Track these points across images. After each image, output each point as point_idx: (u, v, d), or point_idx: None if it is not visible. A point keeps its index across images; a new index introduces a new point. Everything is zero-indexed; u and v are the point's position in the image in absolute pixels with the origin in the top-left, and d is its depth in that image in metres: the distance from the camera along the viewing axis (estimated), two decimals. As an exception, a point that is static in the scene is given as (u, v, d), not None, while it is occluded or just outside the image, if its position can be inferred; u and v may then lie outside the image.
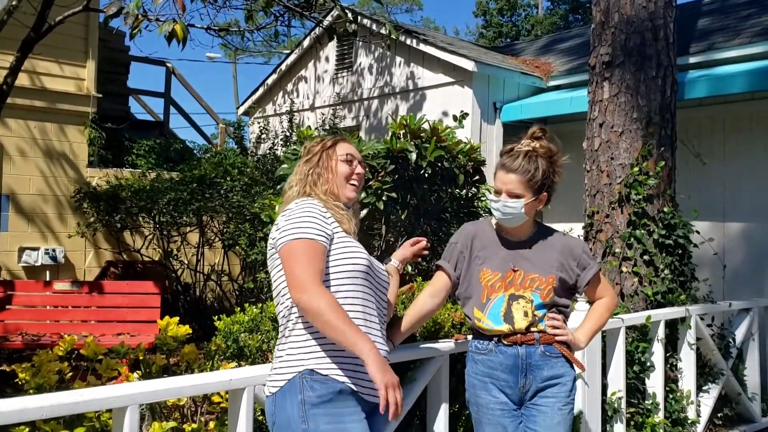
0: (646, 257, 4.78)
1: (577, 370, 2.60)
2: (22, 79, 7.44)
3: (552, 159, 2.46)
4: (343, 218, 2.17)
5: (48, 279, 7.69)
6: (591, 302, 2.68)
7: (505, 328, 2.43)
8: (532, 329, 2.43)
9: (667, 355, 4.46)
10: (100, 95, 8.53)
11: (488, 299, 2.47)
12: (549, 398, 2.42)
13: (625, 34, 5.06)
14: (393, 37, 6.96)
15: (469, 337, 2.75)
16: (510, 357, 2.44)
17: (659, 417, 4.23)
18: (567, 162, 2.51)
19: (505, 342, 2.44)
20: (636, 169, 4.85)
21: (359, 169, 2.29)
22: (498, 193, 2.44)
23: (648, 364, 4.30)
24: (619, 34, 5.09)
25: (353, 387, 1.97)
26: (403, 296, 3.50)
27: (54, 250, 7.96)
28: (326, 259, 2.03)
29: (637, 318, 4.20)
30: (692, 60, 7.24)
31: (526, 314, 2.43)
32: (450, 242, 2.63)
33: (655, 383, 4.29)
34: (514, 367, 2.43)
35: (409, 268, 4.71)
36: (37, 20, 5.60)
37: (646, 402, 4.25)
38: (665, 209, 4.87)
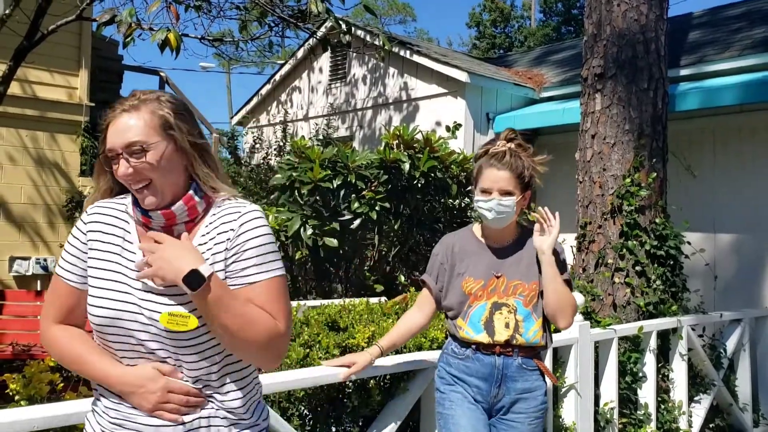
0: (638, 268, 4.80)
1: (549, 383, 2.54)
2: (14, 88, 7.40)
3: (531, 156, 2.46)
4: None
5: (39, 289, 7.63)
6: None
7: (484, 338, 2.42)
8: (513, 342, 2.41)
9: (659, 365, 4.47)
10: (93, 104, 8.51)
11: (469, 307, 2.46)
12: (520, 414, 2.43)
13: (617, 46, 5.10)
14: (387, 48, 7.00)
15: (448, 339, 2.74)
16: (486, 366, 2.42)
17: (651, 427, 4.24)
18: (547, 160, 2.49)
19: (483, 351, 2.43)
20: (628, 180, 4.87)
21: (122, 166, 1.51)
22: (487, 192, 2.41)
23: (640, 374, 4.31)
24: (611, 46, 5.13)
25: None
26: (397, 306, 3.51)
27: (45, 260, 7.92)
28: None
29: (630, 329, 4.21)
30: (683, 72, 7.29)
31: (507, 325, 2.41)
32: (432, 254, 2.63)
33: (647, 393, 4.29)
34: (489, 375, 2.42)
35: (402, 278, 4.72)
36: (29, 29, 5.60)
37: (638, 412, 4.26)
38: (657, 220, 4.89)
